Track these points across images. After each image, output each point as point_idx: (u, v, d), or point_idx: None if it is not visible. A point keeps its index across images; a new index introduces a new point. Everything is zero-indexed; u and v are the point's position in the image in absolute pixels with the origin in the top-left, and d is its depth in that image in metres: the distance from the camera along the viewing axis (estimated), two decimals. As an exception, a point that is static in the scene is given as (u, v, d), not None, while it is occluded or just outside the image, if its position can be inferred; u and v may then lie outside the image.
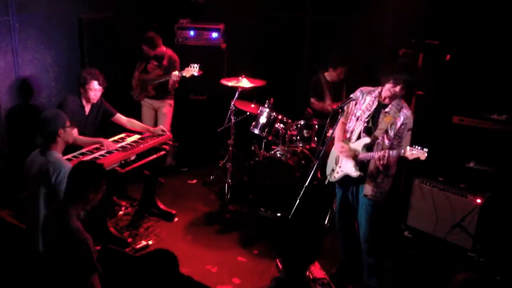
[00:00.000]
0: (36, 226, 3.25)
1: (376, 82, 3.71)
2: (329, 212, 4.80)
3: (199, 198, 5.38)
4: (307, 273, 3.55)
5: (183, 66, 5.36)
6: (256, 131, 5.08)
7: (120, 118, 4.72)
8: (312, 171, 3.90)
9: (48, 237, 2.80)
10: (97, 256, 2.72)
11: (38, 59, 4.87)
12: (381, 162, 3.41)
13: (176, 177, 5.83)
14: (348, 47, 5.54)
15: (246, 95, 5.48)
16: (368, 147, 3.57)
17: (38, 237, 3.20)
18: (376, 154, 3.45)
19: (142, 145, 4.41)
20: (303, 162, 4.98)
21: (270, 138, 5.08)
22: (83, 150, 4.20)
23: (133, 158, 4.30)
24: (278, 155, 4.91)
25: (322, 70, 5.38)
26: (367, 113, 3.63)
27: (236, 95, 5.33)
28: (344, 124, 3.84)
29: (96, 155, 4.11)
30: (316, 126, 5.06)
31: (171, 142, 4.85)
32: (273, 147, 5.18)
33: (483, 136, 4.54)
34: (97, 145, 4.28)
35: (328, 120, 4.62)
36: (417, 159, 3.31)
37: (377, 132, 3.55)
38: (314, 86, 5.42)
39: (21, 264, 3.31)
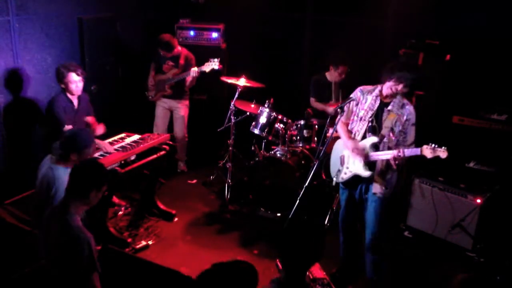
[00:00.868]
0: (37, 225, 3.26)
1: (377, 81, 3.71)
2: (329, 212, 4.80)
3: (199, 198, 5.38)
4: (307, 273, 3.56)
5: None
6: (256, 131, 5.08)
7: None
8: (312, 171, 3.90)
9: (50, 236, 2.80)
10: (97, 256, 2.72)
11: (38, 59, 4.86)
12: (397, 161, 3.43)
13: (176, 177, 5.83)
14: (348, 47, 5.54)
15: (246, 95, 5.48)
16: (376, 146, 3.58)
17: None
18: (390, 154, 3.45)
19: (142, 145, 4.41)
20: (303, 162, 4.98)
21: (270, 138, 5.08)
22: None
23: (133, 158, 4.30)
24: (278, 155, 4.91)
25: (324, 69, 5.38)
26: (371, 113, 3.63)
27: (236, 95, 5.33)
28: (346, 124, 3.84)
29: (96, 155, 4.11)
30: (316, 126, 5.06)
31: (171, 142, 4.85)
32: (273, 147, 5.18)
33: (483, 136, 4.54)
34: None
35: (328, 120, 4.63)
36: (436, 158, 3.33)
37: (383, 131, 3.56)
38: (315, 85, 5.42)
39: (21, 264, 3.31)
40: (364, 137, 3.66)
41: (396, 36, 5.63)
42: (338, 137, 4.94)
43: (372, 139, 3.59)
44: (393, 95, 3.56)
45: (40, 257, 3.24)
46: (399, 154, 3.40)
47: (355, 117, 3.74)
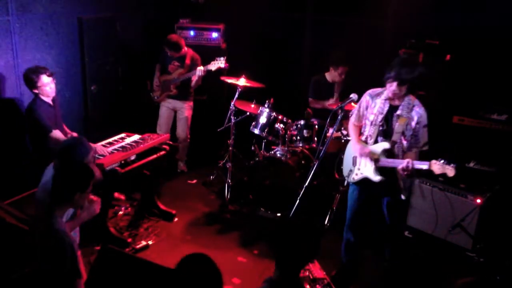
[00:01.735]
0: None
1: (377, 82, 3.71)
2: (329, 212, 4.80)
3: (199, 198, 5.38)
4: (307, 273, 3.56)
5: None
6: (256, 131, 5.08)
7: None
8: (312, 171, 3.90)
9: (35, 239, 2.78)
10: (95, 258, 2.70)
11: (38, 59, 4.86)
12: (405, 173, 3.41)
13: (176, 177, 5.83)
14: (348, 47, 5.54)
15: (246, 95, 5.48)
16: (389, 152, 3.56)
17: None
18: (399, 164, 3.43)
19: (142, 145, 4.41)
20: (303, 162, 4.98)
21: (270, 138, 5.08)
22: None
23: (133, 158, 4.30)
24: (278, 155, 4.91)
25: (323, 70, 5.38)
26: (381, 117, 3.60)
27: (236, 95, 5.33)
28: (357, 126, 3.82)
29: (95, 155, 4.11)
30: (316, 126, 5.06)
31: (171, 142, 4.85)
32: (273, 147, 5.18)
33: (483, 136, 4.54)
34: None
35: (328, 120, 4.62)
36: (444, 174, 3.31)
37: (395, 137, 3.53)
38: (314, 86, 5.42)
39: (21, 264, 3.31)
40: (376, 141, 3.64)
41: (396, 36, 5.64)
42: (338, 137, 4.97)
43: (384, 144, 3.57)
44: (399, 97, 3.50)
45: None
46: (408, 165, 3.36)
47: (367, 121, 3.71)
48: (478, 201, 4.22)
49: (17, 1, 4.51)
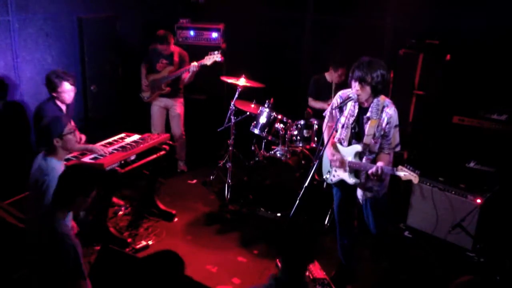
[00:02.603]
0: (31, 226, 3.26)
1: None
2: (329, 212, 4.80)
3: (199, 198, 5.38)
4: (307, 273, 3.56)
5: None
6: (256, 131, 5.08)
7: None
8: (312, 171, 3.90)
9: (36, 241, 2.76)
10: (95, 258, 2.70)
11: (38, 59, 4.87)
12: (374, 177, 3.39)
13: (176, 177, 5.83)
14: (348, 47, 5.54)
15: (246, 95, 5.48)
16: (361, 154, 3.54)
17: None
18: (368, 167, 3.41)
19: (142, 145, 4.41)
20: (303, 162, 4.98)
21: (270, 138, 5.08)
22: (83, 150, 4.20)
23: (133, 158, 4.29)
24: (278, 155, 4.91)
25: (323, 70, 5.38)
26: (352, 119, 3.57)
27: (236, 95, 5.33)
28: (330, 127, 3.80)
29: (95, 154, 4.11)
30: (316, 126, 5.06)
31: (171, 142, 4.85)
32: (273, 147, 5.18)
33: (483, 136, 4.54)
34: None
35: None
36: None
37: (366, 139, 3.49)
38: (314, 85, 5.43)
39: (21, 264, 3.31)
40: (350, 144, 3.61)
41: (396, 36, 5.64)
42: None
43: (356, 147, 3.54)
44: (367, 99, 3.45)
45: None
46: (377, 170, 3.34)
47: (339, 124, 3.67)
48: (478, 201, 4.22)
49: (17, 1, 4.52)
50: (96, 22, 5.46)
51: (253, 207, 5.07)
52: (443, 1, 5.28)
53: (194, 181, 5.77)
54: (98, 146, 4.24)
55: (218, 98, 6.32)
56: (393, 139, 3.48)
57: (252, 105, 5.40)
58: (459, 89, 4.98)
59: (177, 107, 5.66)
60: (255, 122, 5.11)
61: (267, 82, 5.48)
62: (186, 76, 5.43)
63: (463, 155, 4.59)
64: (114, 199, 4.79)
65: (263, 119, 5.05)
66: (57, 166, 3.28)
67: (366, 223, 3.80)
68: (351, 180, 3.60)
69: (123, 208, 4.82)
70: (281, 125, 5.00)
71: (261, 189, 5.02)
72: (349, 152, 3.59)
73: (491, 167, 4.47)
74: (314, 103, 5.43)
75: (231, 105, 5.32)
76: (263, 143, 5.32)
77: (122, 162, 4.17)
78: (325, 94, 5.37)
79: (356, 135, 3.58)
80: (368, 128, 3.47)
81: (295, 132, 5.04)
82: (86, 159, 4.01)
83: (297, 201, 4.02)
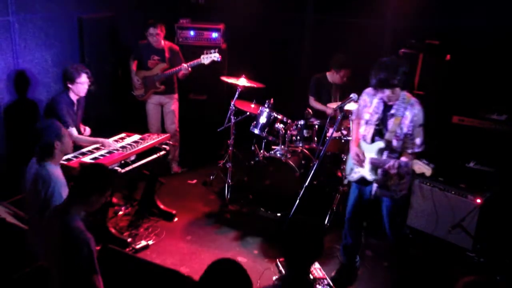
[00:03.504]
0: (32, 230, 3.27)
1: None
2: (329, 212, 4.80)
3: (199, 198, 5.38)
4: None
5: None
6: (256, 131, 5.08)
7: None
8: (312, 171, 3.90)
9: (50, 236, 2.80)
10: (97, 256, 2.71)
11: (38, 59, 4.86)
12: (392, 171, 3.41)
13: (176, 177, 5.83)
14: (348, 47, 5.54)
15: (246, 95, 5.48)
16: (383, 152, 3.56)
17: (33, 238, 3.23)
18: (386, 163, 3.44)
19: (142, 145, 4.41)
20: (303, 162, 4.98)
21: (270, 138, 5.08)
22: (83, 150, 4.21)
23: (133, 158, 4.30)
24: (278, 155, 4.90)
25: (324, 69, 5.38)
26: (376, 116, 3.59)
27: (236, 95, 5.33)
28: (358, 123, 3.81)
29: (96, 155, 4.12)
30: (316, 126, 5.05)
31: (171, 142, 4.85)
32: (273, 147, 5.18)
33: (483, 136, 4.54)
34: (98, 145, 4.29)
35: (328, 120, 4.63)
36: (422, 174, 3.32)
37: (388, 136, 3.51)
38: (315, 85, 5.43)
39: (21, 264, 3.31)
40: (373, 140, 3.63)
41: (396, 36, 5.64)
42: (338, 137, 4.96)
43: (379, 144, 3.56)
44: (390, 98, 3.47)
45: (33, 256, 3.26)
46: (394, 164, 3.37)
47: (362, 121, 3.71)
48: (478, 201, 4.22)
49: (17, 1, 4.51)
50: (96, 22, 5.46)
51: (253, 207, 5.07)
52: (443, 1, 5.29)
53: (194, 181, 5.78)
54: (109, 140, 4.33)
55: (218, 98, 6.32)
56: (418, 139, 3.48)
57: (252, 105, 5.40)
58: (459, 89, 4.98)
59: (171, 103, 5.62)
60: (255, 122, 5.11)
61: (267, 82, 5.49)
62: (180, 73, 5.37)
63: (463, 155, 4.59)
64: (114, 199, 4.79)
65: (263, 119, 5.05)
66: (56, 171, 3.29)
67: (383, 225, 3.83)
68: (371, 176, 3.62)
69: (123, 208, 4.81)
70: (281, 125, 5.00)
71: (261, 189, 5.02)
72: (372, 149, 3.60)
73: (491, 167, 4.47)
74: (314, 104, 5.43)
75: (231, 105, 5.32)
76: (263, 143, 5.32)
77: (122, 162, 4.17)
78: (325, 94, 5.38)
79: (379, 132, 3.59)
80: (392, 125, 3.49)
81: (295, 132, 5.04)
82: (86, 159, 4.02)
83: (297, 201, 4.03)
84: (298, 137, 5.05)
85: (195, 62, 5.25)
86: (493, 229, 4.27)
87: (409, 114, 3.44)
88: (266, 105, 5.10)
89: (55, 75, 5.07)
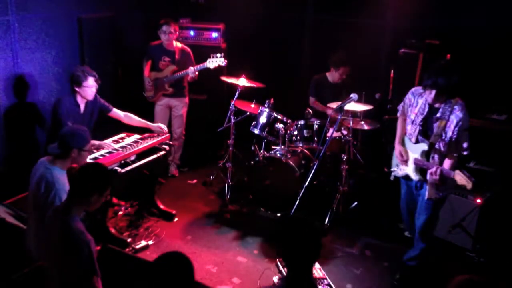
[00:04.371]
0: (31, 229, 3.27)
1: (377, 82, 3.71)
2: (329, 212, 4.79)
3: (199, 198, 5.38)
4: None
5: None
6: (256, 131, 5.07)
7: (117, 113, 4.67)
8: (312, 171, 3.90)
9: (51, 237, 2.79)
10: (96, 256, 2.71)
11: (38, 59, 4.87)
12: (434, 176, 3.43)
13: (176, 177, 5.83)
14: (348, 47, 5.54)
15: (246, 95, 5.48)
16: (427, 154, 3.58)
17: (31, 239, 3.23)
18: (429, 167, 3.46)
19: (142, 145, 4.41)
20: (303, 162, 4.97)
21: (270, 138, 5.08)
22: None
23: (133, 158, 4.29)
24: (278, 155, 4.90)
25: (324, 69, 5.38)
26: (421, 117, 3.61)
27: (236, 95, 5.33)
28: (404, 119, 3.84)
29: (96, 155, 4.11)
30: (316, 126, 5.05)
31: (171, 142, 4.85)
32: (273, 147, 5.18)
33: (483, 136, 4.53)
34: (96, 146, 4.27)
35: (328, 120, 4.62)
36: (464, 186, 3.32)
37: (433, 139, 3.53)
38: (315, 85, 5.43)
39: (21, 264, 3.31)
40: (417, 140, 3.67)
41: (396, 36, 5.63)
42: (338, 137, 4.96)
43: (423, 146, 3.59)
44: (436, 101, 3.47)
45: (31, 256, 3.26)
46: (436, 170, 3.40)
47: (408, 119, 3.73)
48: (478, 201, 4.22)
49: (17, 1, 4.52)
50: (96, 22, 5.46)
51: (253, 207, 5.07)
52: (443, 1, 5.28)
53: (194, 181, 5.77)
54: (106, 142, 4.30)
55: (218, 98, 6.31)
56: (464, 143, 3.49)
57: (252, 105, 5.40)
58: (459, 89, 4.97)
59: (181, 107, 5.62)
60: (255, 122, 5.10)
61: (267, 82, 5.48)
62: (189, 77, 5.38)
63: (463, 155, 4.58)
64: (114, 199, 4.78)
65: (263, 119, 5.05)
66: (62, 177, 3.26)
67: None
68: (415, 177, 3.68)
69: (123, 208, 4.81)
70: (281, 125, 5.00)
71: (261, 189, 5.02)
72: (417, 149, 3.64)
73: (491, 167, 4.47)
74: (315, 105, 5.43)
75: (231, 105, 5.32)
76: (263, 143, 5.32)
77: (122, 162, 4.17)
78: (326, 94, 5.37)
79: (424, 133, 3.62)
80: (436, 128, 3.50)
81: (295, 132, 5.04)
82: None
83: (297, 201, 4.03)
84: (298, 137, 5.05)
85: (201, 65, 5.27)
86: (493, 229, 4.27)
87: (454, 118, 3.44)
88: (266, 105, 5.10)
89: (55, 75, 5.07)
